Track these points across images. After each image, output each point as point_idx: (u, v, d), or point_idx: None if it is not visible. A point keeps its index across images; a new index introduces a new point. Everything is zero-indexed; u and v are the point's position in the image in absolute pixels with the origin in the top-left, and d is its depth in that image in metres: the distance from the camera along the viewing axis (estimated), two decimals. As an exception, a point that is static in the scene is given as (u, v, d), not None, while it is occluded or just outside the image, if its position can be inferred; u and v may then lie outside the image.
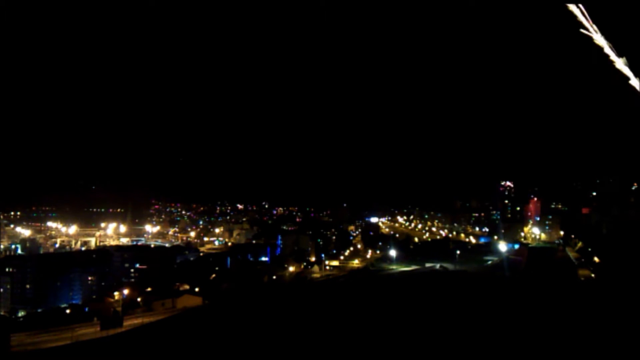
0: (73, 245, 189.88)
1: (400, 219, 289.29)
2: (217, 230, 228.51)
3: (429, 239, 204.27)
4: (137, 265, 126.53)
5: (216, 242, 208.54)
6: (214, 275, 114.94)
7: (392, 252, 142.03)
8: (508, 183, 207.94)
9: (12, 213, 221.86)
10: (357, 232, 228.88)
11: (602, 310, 44.82)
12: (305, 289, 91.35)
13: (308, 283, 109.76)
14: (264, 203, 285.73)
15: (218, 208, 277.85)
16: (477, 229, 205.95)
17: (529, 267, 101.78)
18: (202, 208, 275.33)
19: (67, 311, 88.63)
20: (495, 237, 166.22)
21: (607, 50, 13.94)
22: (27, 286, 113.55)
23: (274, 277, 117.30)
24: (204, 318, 61.79)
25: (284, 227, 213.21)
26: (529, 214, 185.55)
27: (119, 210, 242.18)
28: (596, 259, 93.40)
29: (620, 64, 14.09)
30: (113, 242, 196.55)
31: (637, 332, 34.43)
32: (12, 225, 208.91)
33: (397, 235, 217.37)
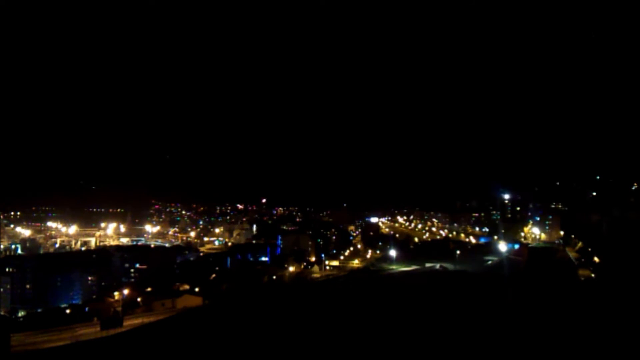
0: (73, 245, 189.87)
1: (400, 219, 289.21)
2: (217, 230, 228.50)
3: (429, 239, 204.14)
4: (137, 265, 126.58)
5: (216, 242, 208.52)
6: (214, 275, 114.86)
7: (392, 252, 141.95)
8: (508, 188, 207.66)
9: (12, 213, 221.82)
10: (357, 232, 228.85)
11: (602, 310, 44.80)
12: (305, 289, 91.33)
13: (308, 283, 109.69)
14: (263, 203, 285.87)
15: (218, 208, 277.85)
16: (477, 229, 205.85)
17: (529, 267, 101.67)
18: (202, 208, 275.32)
19: (67, 311, 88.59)
20: (495, 237, 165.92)
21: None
22: (27, 286, 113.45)
23: (274, 277, 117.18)
24: (204, 318, 61.80)
25: (284, 227, 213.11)
26: (529, 214, 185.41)
27: (119, 210, 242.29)
28: (596, 259, 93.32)
29: None
30: (113, 242, 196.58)
31: (637, 332, 34.45)
32: (12, 225, 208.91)
33: (397, 235, 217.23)
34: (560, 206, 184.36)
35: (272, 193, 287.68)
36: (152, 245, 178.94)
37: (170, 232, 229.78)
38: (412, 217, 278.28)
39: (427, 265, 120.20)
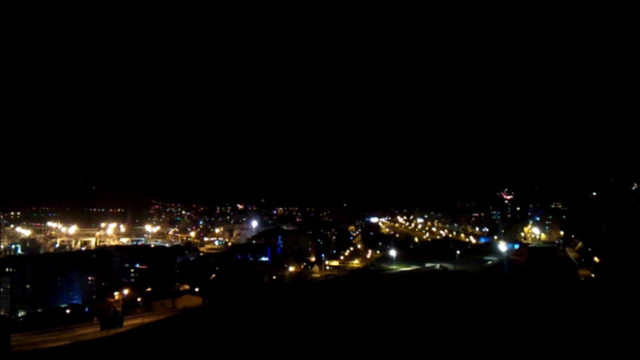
0: (73, 245, 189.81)
1: (400, 219, 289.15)
2: (217, 230, 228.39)
3: (429, 239, 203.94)
4: (137, 265, 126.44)
5: (216, 242, 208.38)
6: (214, 275, 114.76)
7: (392, 252, 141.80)
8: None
9: (12, 213, 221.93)
10: (357, 232, 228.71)
11: (602, 310, 44.80)
12: (305, 289, 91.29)
13: (308, 283, 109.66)
14: (263, 202, 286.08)
15: (218, 208, 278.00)
16: (477, 229, 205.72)
17: (529, 267, 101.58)
18: (202, 208, 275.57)
19: (67, 311, 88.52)
20: (495, 237, 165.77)
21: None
22: (27, 286, 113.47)
23: (274, 277, 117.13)
24: (204, 318, 61.78)
25: (284, 227, 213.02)
26: (529, 214, 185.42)
27: (119, 210, 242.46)
28: (596, 259, 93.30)
29: None
30: (113, 242, 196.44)
31: (637, 331, 34.46)
32: (12, 225, 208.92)
33: (397, 235, 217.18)
34: (560, 206, 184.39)
35: (272, 193, 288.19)
36: (152, 245, 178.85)
37: (170, 232, 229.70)
38: (412, 217, 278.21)
39: (427, 265, 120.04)
